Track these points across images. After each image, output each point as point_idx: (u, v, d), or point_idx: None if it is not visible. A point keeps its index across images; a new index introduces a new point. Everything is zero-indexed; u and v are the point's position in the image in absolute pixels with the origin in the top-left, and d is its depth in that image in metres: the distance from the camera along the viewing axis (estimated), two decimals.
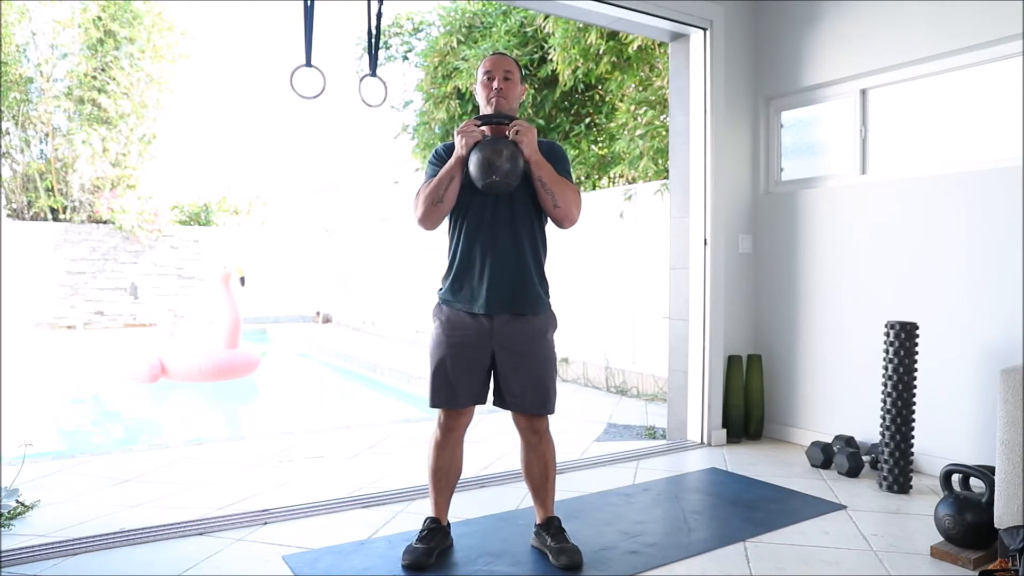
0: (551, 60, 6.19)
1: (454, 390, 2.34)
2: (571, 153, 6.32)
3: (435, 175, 2.33)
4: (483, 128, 2.32)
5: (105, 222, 12.57)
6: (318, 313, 13.79)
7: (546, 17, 6.16)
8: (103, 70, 12.36)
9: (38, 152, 12.74)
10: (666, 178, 5.29)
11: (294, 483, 3.31)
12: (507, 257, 2.32)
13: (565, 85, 6.22)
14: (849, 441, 3.49)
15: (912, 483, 3.21)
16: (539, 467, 2.44)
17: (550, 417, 2.45)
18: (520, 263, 2.33)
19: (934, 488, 3.19)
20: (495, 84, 2.39)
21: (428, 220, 2.31)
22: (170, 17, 12.90)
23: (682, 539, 2.61)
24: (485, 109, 2.42)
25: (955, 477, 2.55)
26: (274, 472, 3.50)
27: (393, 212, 11.34)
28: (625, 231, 5.97)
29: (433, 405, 2.38)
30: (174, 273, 12.99)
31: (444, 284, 2.40)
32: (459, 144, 2.28)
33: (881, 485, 3.20)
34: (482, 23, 7.39)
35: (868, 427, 3.63)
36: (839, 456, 3.46)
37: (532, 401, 2.36)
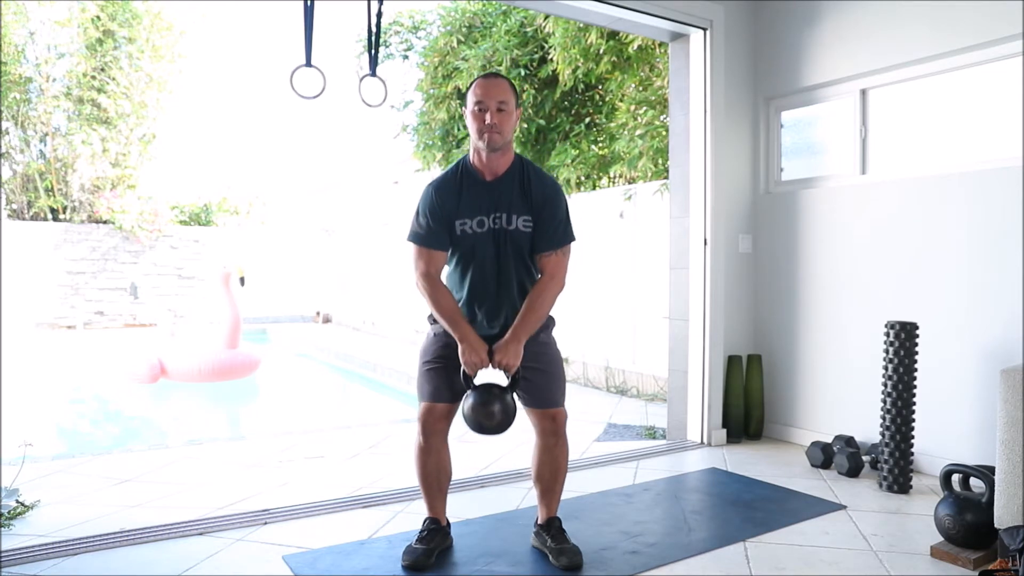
0: (551, 60, 6.19)
1: (440, 384, 2.33)
2: (571, 153, 6.32)
3: (427, 227, 2.28)
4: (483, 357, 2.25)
5: (105, 222, 12.57)
6: (318, 313, 13.79)
7: (546, 17, 6.15)
8: (102, 70, 12.36)
9: (38, 152, 12.74)
10: (666, 178, 5.29)
11: (294, 483, 3.31)
12: (504, 305, 2.33)
13: (565, 85, 6.22)
14: (849, 441, 3.49)
15: (912, 483, 3.21)
16: (551, 469, 2.41)
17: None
18: (518, 307, 2.33)
19: (934, 488, 3.19)
20: (488, 118, 2.23)
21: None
22: (169, 17, 12.90)
23: (682, 539, 2.61)
24: (477, 142, 2.28)
25: (955, 477, 2.55)
26: (274, 472, 3.50)
27: (393, 212, 11.34)
28: (625, 231, 5.97)
29: (421, 400, 2.36)
30: (174, 273, 12.99)
31: None
32: (460, 353, 2.24)
33: (881, 485, 3.20)
34: (482, 23, 7.38)
35: (868, 427, 3.63)
36: (839, 456, 3.46)
37: (546, 396, 2.36)
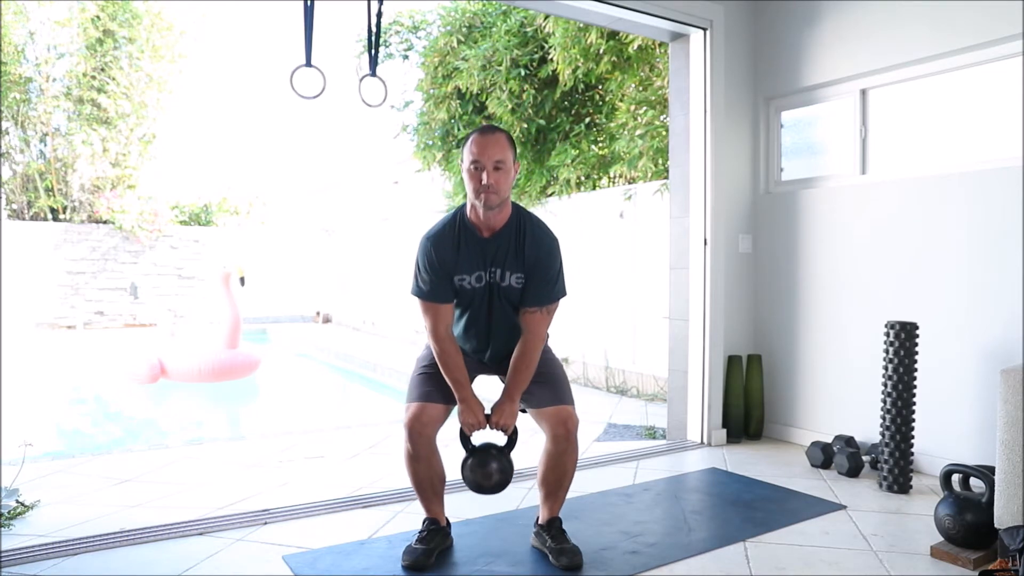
0: (551, 60, 6.19)
1: (433, 388, 2.33)
2: (571, 153, 6.32)
3: (429, 282, 2.27)
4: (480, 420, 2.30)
5: (105, 222, 12.57)
6: (318, 313, 13.80)
7: (546, 17, 6.15)
8: (102, 70, 12.35)
9: (38, 152, 12.74)
10: (666, 178, 5.29)
11: (294, 483, 3.31)
12: (496, 343, 2.39)
13: (565, 85, 6.22)
14: (849, 441, 3.49)
15: (912, 483, 3.21)
16: (558, 475, 2.38)
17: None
18: (513, 344, 2.36)
19: (934, 488, 3.19)
20: (484, 178, 2.18)
21: None
22: (169, 17, 12.90)
23: (682, 539, 2.61)
24: (474, 200, 2.24)
25: (955, 477, 2.55)
26: (274, 472, 3.50)
27: (393, 212, 11.34)
28: (625, 231, 5.97)
29: (410, 401, 2.34)
30: (174, 273, 12.99)
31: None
32: (459, 413, 2.29)
33: (881, 485, 3.20)
34: (482, 23, 7.38)
35: (868, 427, 3.63)
36: (839, 456, 3.46)
37: (552, 395, 2.35)
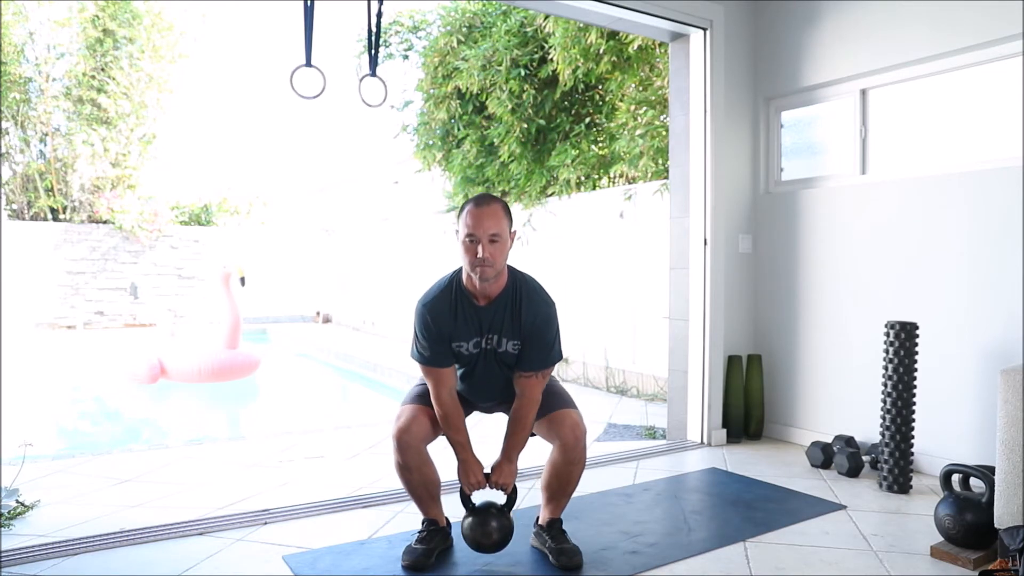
0: (551, 60, 6.19)
1: (425, 402, 2.34)
2: (571, 153, 6.32)
3: (428, 348, 2.26)
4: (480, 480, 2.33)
5: (105, 222, 12.57)
6: (318, 313, 13.80)
7: (546, 17, 6.15)
8: (102, 70, 12.35)
9: (38, 152, 12.74)
10: (666, 178, 5.29)
11: (294, 483, 3.31)
12: (493, 395, 2.44)
13: (565, 85, 6.22)
14: (849, 441, 3.49)
15: (912, 483, 3.21)
16: (562, 482, 2.39)
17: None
18: (507, 398, 2.40)
19: (934, 488, 3.19)
20: (479, 251, 2.15)
21: None
22: (169, 17, 12.90)
23: (682, 539, 2.61)
24: (470, 272, 2.21)
25: (955, 477, 2.55)
26: (274, 472, 3.50)
27: (393, 212, 11.34)
28: (625, 231, 5.97)
29: (406, 403, 2.37)
30: (174, 273, 12.99)
31: None
32: (458, 474, 2.32)
33: (881, 485, 3.20)
34: (482, 23, 7.38)
35: (868, 427, 3.63)
36: (839, 456, 3.46)
37: (551, 402, 2.38)
